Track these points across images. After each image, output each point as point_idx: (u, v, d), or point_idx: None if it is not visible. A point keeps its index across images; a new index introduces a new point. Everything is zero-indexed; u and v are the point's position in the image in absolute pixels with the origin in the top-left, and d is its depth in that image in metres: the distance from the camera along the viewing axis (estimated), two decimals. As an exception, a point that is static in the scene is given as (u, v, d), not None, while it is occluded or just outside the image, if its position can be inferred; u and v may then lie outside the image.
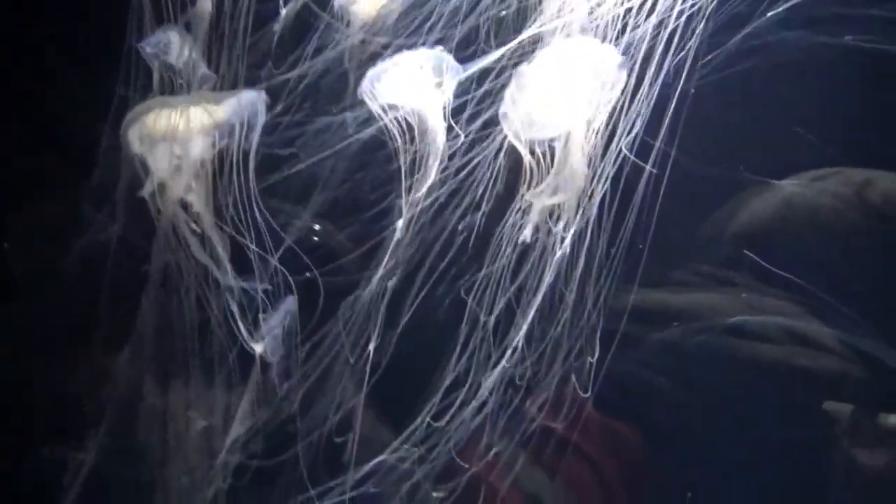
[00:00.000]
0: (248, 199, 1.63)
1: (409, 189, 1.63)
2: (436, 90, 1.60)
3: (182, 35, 1.64)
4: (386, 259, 1.65)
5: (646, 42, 1.57)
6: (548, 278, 1.63)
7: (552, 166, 1.61)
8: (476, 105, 1.63)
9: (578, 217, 1.62)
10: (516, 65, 1.60)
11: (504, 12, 1.64)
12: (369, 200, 1.71)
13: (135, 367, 1.73)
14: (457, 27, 1.64)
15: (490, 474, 1.73)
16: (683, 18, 1.56)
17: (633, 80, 1.58)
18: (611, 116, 1.59)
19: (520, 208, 1.63)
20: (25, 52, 1.80)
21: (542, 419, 1.72)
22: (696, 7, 1.56)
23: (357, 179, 1.72)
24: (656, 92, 1.58)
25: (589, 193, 1.61)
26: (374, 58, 1.65)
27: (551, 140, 1.61)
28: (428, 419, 1.66)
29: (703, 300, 1.78)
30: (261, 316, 1.65)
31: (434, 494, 1.72)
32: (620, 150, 1.60)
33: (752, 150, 1.74)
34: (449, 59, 1.62)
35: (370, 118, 1.64)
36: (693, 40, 1.57)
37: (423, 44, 1.65)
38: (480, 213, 1.65)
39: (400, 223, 1.63)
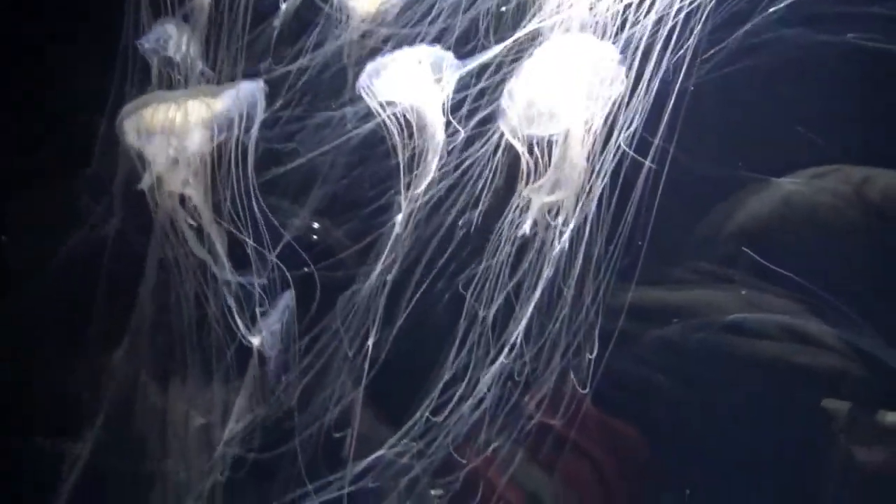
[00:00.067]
0: (246, 193, 1.63)
1: (408, 185, 1.63)
2: (434, 86, 1.61)
3: (180, 26, 1.65)
4: (385, 254, 1.65)
5: (645, 39, 1.57)
6: (546, 274, 1.64)
7: (551, 162, 1.61)
8: (475, 101, 1.63)
9: (577, 213, 1.62)
10: (515, 61, 1.61)
11: (504, 8, 1.64)
12: (368, 196, 1.71)
13: (132, 362, 1.73)
14: (456, 23, 1.64)
15: (488, 470, 1.73)
16: (682, 15, 1.56)
17: (632, 77, 1.58)
18: (610, 113, 1.59)
19: (518, 206, 1.64)
20: (23, 45, 1.81)
21: (540, 416, 1.72)
22: (695, 4, 1.56)
23: (356, 175, 1.72)
24: (655, 89, 1.59)
25: (588, 190, 1.62)
26: (373, 53, 1.66)
27: (550, 136, 1.62)
28: (426, 414, 1.66)
29: (702, 297, 1.79)
30: (258, 310, 1.65)
31: (432, 493, 1.72)
32: (619, 147, 1.60)
33: (752, 147, 1.74)
34: (448, 55, 1.62)
35: (369, 113, 1.64)
36: (692, 37, 1.57)
37: (422, 40, 1.65)
38: (479, 209, 1.65)
39: (399, 218, 1.64)
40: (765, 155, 1.75)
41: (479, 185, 1.65)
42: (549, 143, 1.62)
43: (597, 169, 1.61)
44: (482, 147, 1.64)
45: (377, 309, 1.67)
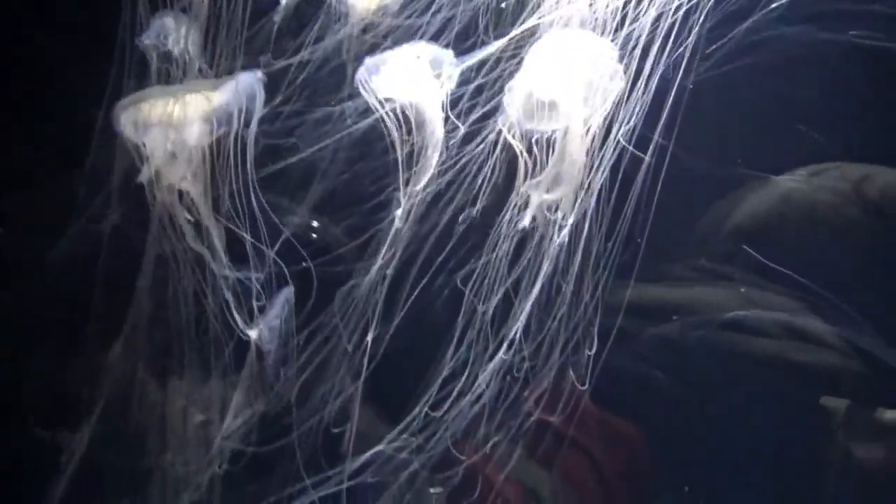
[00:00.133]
0: (245, 188, 1.63)
1: (408, 181, 1.63)
2: (433, 82, 1.61)
3: (178, 19, 1.65)
4: (384, 250, 1.65)
5: (644, 35, 1.57)
6: (545, 270, 1.64)
7: (550, 158, 1.61)
8: (474, 97, 1.64)
9: (576, 210, 1.62)
10: (515, 57, 1.61)
11: (504, 4, 1.64)
12: (367, 192, 1.71)
13: (130, 356, 1.73)
14: (455, 19, 1.64)
15: (487, 465, 1.73)
16: (682, 12, 1.56)
17: (631, 74, 1.58)
18: (609, 110, 1.59)
19: (516, 204, 1.64)
20: (20, 39, 1.81)
21: (539, 412, 1.72)
22: (695, 1, 1.56)
23: (355, 171, 1.72)
24: (655, 86, 1.59)
25: (587, 186, 1.62)
26: (372, 49, 1.66)
27: (550, 132, 1.62)
28: (425, 410, 1.66)
29: (701, 295, 1.79)
30: (255, 305, 1.65)
31: (431, 490, 1.72)
32: (619, 144, 1.60)
33: (751, 145, 1.74)
34: (447, 52, 1.62)
35: (368, 109, 1.64)
36: (692, 35, 1.57)
37: (421, 36, 1.65)
38: (478, 205, 1.65)
39: (398, 213, 1.64)
40: (764, 152, 1.75)
41: (479, 181, 1.65)
42: (549, 140, 1.62)
43: (596, 165, 1.61)
44: (481, 143, 1.64)
45: (376, 304, 1.67)
